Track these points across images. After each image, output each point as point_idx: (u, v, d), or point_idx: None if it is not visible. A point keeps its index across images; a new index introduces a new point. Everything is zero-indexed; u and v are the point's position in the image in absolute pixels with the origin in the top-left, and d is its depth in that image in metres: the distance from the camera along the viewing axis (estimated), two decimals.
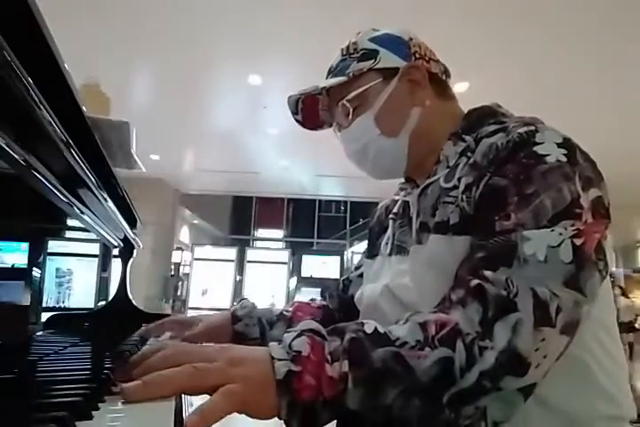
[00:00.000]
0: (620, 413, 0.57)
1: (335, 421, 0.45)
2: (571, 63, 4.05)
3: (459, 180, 0.60)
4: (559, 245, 0.48)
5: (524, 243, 0.49)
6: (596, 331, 0.57)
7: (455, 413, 0.44)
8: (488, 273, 0.48)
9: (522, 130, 0.56)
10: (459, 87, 4.40)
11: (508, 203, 0.52)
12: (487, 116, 0.66)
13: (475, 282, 0.48)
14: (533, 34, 3.65)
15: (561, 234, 0.49)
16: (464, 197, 0.58)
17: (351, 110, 0.68)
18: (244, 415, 0.40)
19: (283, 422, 0.42)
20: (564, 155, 0.53)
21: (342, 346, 0.43)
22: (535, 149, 0.54)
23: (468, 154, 0.62)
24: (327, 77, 0.72)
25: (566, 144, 0.54)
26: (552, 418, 0.54)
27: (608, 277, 0.58)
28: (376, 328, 0.46)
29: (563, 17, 3.42)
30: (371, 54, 0.68)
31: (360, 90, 0.67)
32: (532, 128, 0.56)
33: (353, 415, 0.42)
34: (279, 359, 0.41)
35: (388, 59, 0.68)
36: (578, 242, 0.48)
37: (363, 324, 0.46)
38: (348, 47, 0.71)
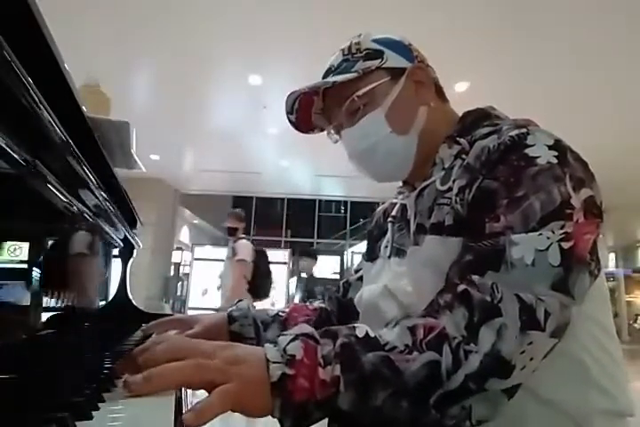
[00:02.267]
0: (618, 408, 0.58)
1: (327, 419, 0.46)
2: (572, 62, 4.05)
3: (453, 182, 0.61)
4: (547, 248, 0.49)
5: (512, 247, 0.49)
6: (592, 329, 0.58)
7: (441, 413, 0.45)
8: (475, 278, 0.49)
9: (513, 133, 0.57)
10: (459, 87, 4.40)
11: (499, 205, 0.52)
12: (481, 118, 0.67)
13: (461, 287, 0.49)
14: (534, 32, 3.65)
15: (549, 238, 0.49)
16: (457, 199, 0.59)
17: (361, 107, 0.68)
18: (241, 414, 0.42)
19: (277, 420, 0.43)
20: (554, 156, 0.53)
21: (334, 350, 0.44)
22: (526, 151, 0.54)
23: (463, 156, 0.62)
24: (327, 77, 0.72)
25: (557, 146, 0.55)
26: (550, 414, 0.55)
27: (603, 275, 0.59)
28: (367, 332, 0.47)
29: (563, 15, 3.42)
30: (376, 54, 0.69)
31: (370, 87, 0.67)
32: (524, 131, 0.56)
33: (345, 415, 0.44)
34: (274, 362, 0.42)
35: (393, 59, 0.69)
36: (566, 245, 0.49)
37: (354, 328, 0.48)
38: (349, 47, 0.71)
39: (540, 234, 0.49)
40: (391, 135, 0.68)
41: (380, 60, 0.68)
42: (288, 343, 0.44)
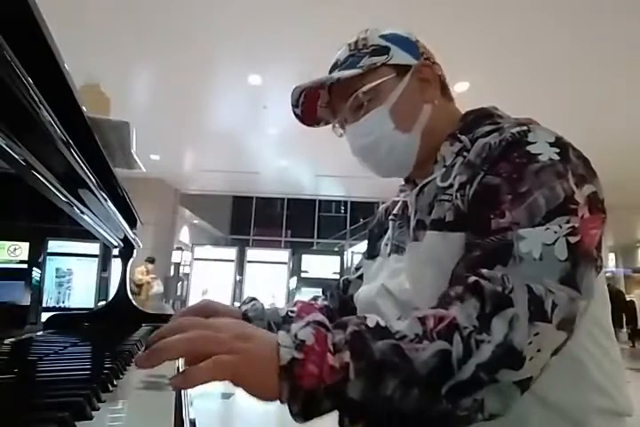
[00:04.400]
0: (616, 407, 0.58)
1: (338, 413, 0.45)
2: (573, 62, 4.05)
3: (454, 178, 0.61)
4: (554, 242, 0.49)
5: (520, 242, 0.49)
6: (590, 328, 0.58)
7: (453, 404, 0.45)
8: (485, 271, 0.49)
9: (515, 130, 0.57)
10: (459, 87, 4.40)
11: (502, 201, 0.52)
12: (483, 117, 0.67)
13: (472, 279, 0.49)
14: (535, 32, 3.65)
15: (556, 232, 0.49)
16: (458, 195, 0.59)
17: (366, 103, 0.68)
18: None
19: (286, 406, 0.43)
20: (556, 153, 0.54)
21: (345, 338, 0.44)
22: (528, 148, 0.55)
23: (464, 154, 0.63)
24: (333, 72, 0.72)
25: (558, 143, 0.55)
26: (547, 413, 0.55)
27: (603, 273, 0.59)
28: (378, 322, 0.47)
29: (564, 14, 3.42)
30: (382, 50, 0.69)
31: (375, 83, 0.67)
32: (525, 128, 0.57)
33: (355, 406, 0.44)
34: (284, 346, 0.43)
35: (399, 56, 0.69)
36: (573, 239, 0.49)
37: (365, 317, 0.48)
38: (356, 42, 0.71)
39: (547, 228, 0.49)
40: (394, 132, 0.68)
41: (385, 57, 0.68)
42: (300, 329, 0.44)
